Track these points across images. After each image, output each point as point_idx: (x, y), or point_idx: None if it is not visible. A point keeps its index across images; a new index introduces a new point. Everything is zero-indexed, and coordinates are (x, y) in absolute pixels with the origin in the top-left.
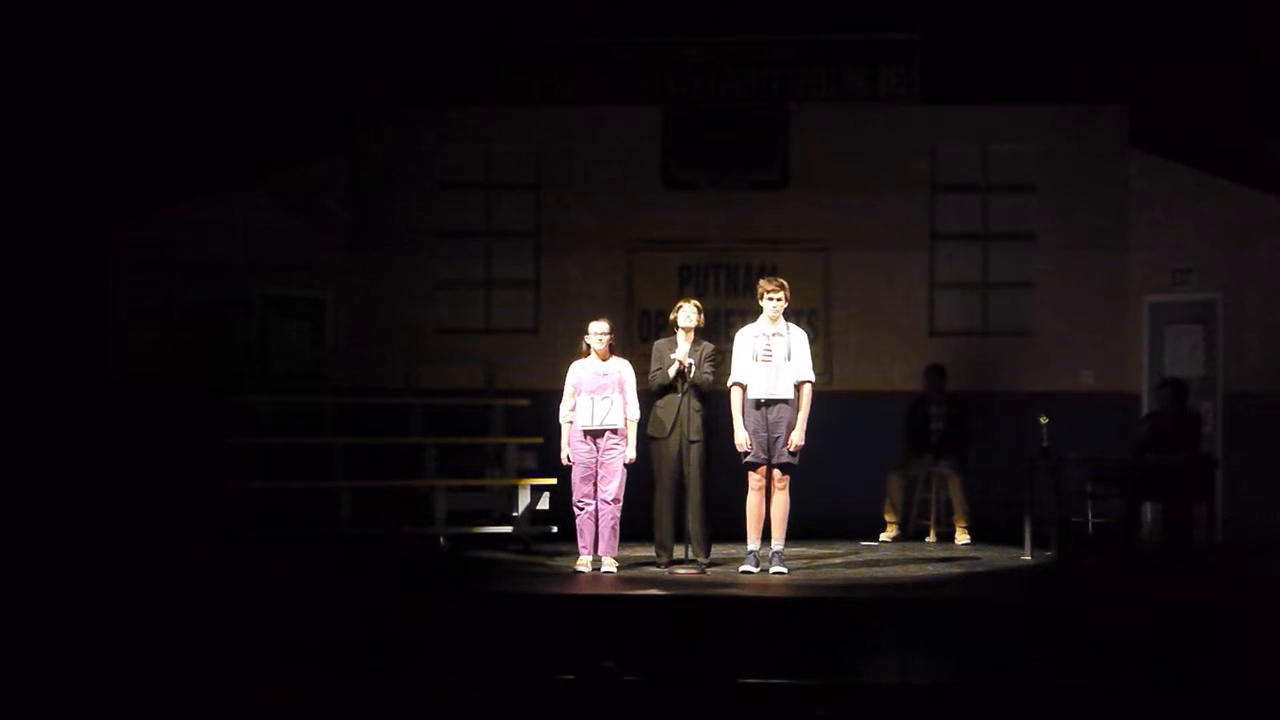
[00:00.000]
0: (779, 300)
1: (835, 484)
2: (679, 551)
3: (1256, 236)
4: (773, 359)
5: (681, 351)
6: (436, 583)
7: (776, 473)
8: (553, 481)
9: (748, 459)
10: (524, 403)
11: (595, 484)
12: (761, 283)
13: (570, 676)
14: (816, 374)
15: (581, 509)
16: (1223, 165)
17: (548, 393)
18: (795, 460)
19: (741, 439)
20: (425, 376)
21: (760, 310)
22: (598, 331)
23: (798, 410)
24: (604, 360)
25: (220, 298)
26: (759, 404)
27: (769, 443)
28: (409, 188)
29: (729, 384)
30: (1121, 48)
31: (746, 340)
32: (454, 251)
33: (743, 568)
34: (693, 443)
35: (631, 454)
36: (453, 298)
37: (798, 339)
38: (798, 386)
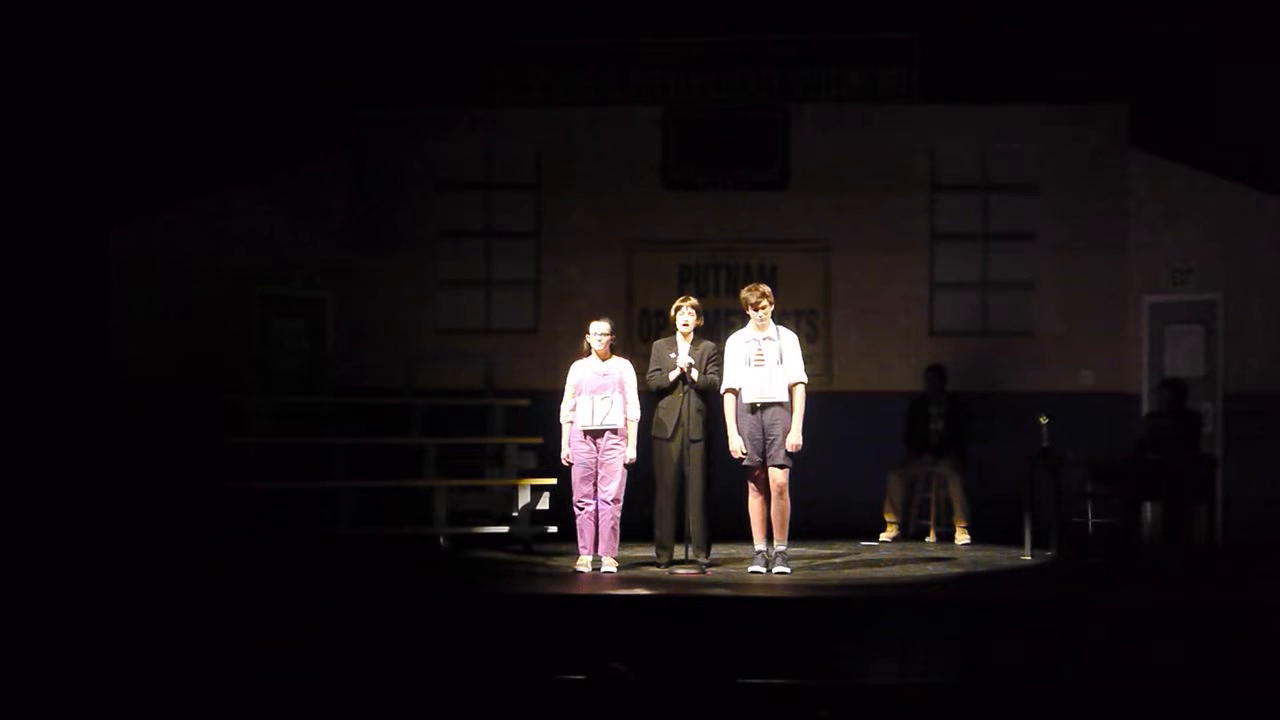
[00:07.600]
0: (766, 310)
1: (835, 484)
2: (679, 551)
3: (1256, 236)
4: (765, 363)
5: (682, 351)
6: (436, 583)
7: (774, 474)
8: (553, 481)
9: (746, 462)
10: (524, 403)
11: (595, 484)
12: (744, 294)
13: (577, 677)
14: (817, 374)
15: (581, 509)
16: (1223, 165)
17: (548, 393)
18: (789, 462)
19: (736, 445)
20: (425, 376)
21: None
22: (598, 331)
23: (791, 412)
24: (604, 360)
25: (220, 298)
26: (753, 408)
27: (764, 445)
28: (409, 188)
29: (722, 390)
30: (1121, 48)
31: (737, 346)
32: (454, 251)
33: (752, 568)
34: (694, 442)
35: (632, 454)
36: (453, 298)
37: (788, 341)
38: (790, 388)
